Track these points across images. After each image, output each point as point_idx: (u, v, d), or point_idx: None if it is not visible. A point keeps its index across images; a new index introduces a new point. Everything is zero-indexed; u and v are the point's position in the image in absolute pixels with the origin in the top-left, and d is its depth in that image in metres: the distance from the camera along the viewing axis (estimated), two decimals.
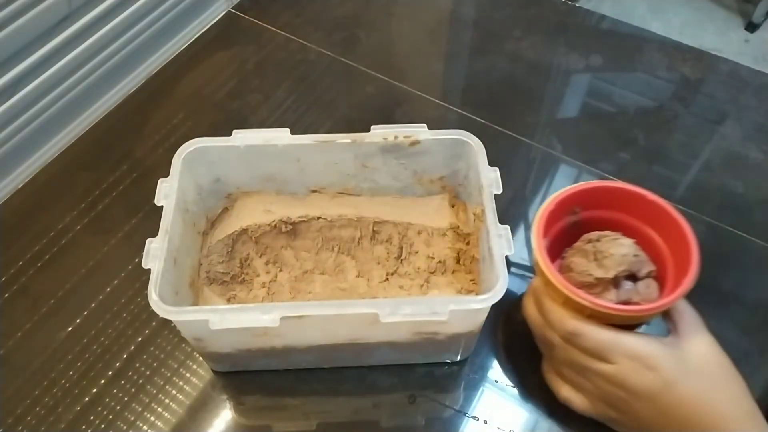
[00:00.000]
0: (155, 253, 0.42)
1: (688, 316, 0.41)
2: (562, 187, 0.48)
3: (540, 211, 0.46)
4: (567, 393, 0.44)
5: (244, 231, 0.52)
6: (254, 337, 0.44)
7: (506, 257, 0.42)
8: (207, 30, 0.76)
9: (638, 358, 0.38)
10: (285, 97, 0.68)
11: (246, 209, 0.54)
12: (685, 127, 0.68)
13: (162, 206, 0.45)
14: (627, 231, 0.48)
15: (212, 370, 0.50)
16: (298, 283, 0.52)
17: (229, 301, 0.51)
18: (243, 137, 0.49)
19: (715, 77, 0.72)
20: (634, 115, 0.69)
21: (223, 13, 0.78)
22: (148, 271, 0.41)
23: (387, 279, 0.52)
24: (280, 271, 0.53)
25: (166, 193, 0.46)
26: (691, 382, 0.38)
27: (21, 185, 0.61)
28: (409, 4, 0.81)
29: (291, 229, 0.53)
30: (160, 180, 0.46)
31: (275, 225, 0.53)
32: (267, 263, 0.53)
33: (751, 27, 1.91)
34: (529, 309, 0.45)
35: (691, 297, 0.54)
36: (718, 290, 0.55)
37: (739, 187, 0.62)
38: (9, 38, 0.54)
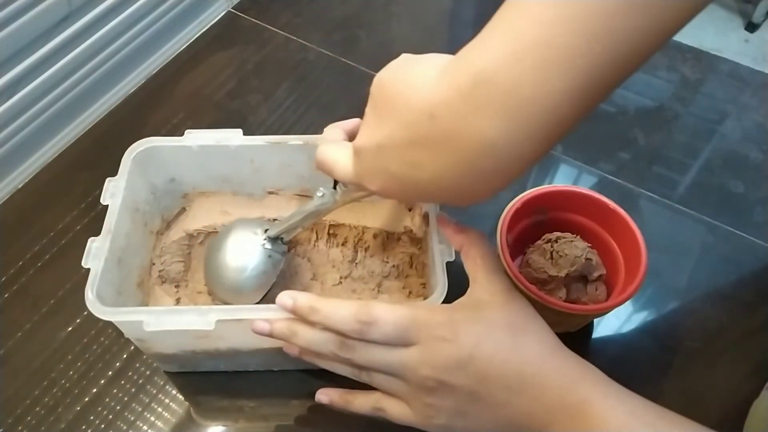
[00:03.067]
0: (96, 253, 0.42)
1: (483, 264, 0.38)
2: None
3: (507, 209, 0.49)
4: (378, 401, 0.38)
5: (200, 231, 0.52)
6: (196, 339, 0.44)
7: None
8: (207, 30, 0.76)
9: (435, 330, 0.35)
10: (285, 97, 0.68)
11: (203, 210, 0.54)
12: (685, 127, 0.68)
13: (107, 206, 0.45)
14: (587, 234, 0.51)
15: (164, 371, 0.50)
16: None
17: (178, 302, 0.50)
18: (194, 137, 0.49)
19: (715, 77, 0.72)
20: (634, 115, 0.69)
21: (223, 13, 0.78)
22: None
23: (340, 282, 0.52)
24: None
25: (113, 192, 0.46)
26: (494, 336, 0.35)
27: (21, 185, 0.61)
28: (409, 4, 0.81)
29: None
30: (108, 179, 0.46)
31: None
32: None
33: (751, 27, 1.91)
34: (306, 334, 0.38)
35: (691, 297, 0.55)
36: (718, 290, 0.55)
37: (739, 187, 0.62)
38: (9, 38, 0.54)
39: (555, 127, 0.27)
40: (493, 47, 0.27)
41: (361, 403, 0.39)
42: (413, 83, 0.31)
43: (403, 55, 0.35)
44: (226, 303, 0.48)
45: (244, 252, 0.47)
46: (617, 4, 0.24)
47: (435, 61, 0.31)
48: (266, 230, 0.48)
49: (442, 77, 0.29)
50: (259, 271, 0.47)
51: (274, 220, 0.54)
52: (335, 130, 0.42)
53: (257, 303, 0.48)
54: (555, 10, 0.25)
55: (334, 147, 0.39)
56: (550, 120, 0.27)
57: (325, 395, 0.41)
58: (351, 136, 0.42)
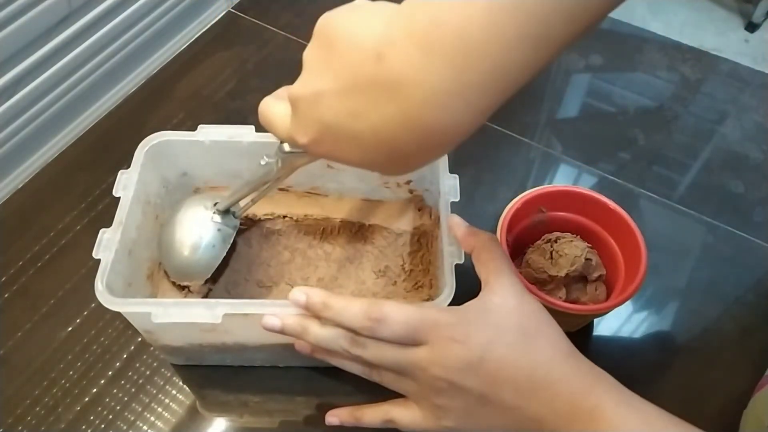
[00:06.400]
0: (107, 244, 0.42)
1: (494, 267, 0.38)
2: None
3: (507, 209, 0.49)
4: (387, 412, 0.38)
5: None
6: (203, 332, 0.44)
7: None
8: (207, 30, 0.76)
9: (446, 330, 0.35)
10: None
11: None
12: (685, 127, 0.68)
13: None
14: (587, 234, 0.51)
15: (171, 364, 0.50)
16: (261, 283, 0.52)
17: (185, 295, 0.51)
18: (207, 132, 0.49)
19: (715, 77, 0.73)
20: (634, 115, 0.69)
21: (223, 13, 0.78)
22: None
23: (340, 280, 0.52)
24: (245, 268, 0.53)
25: (125, 184, 0.46)
26: (505, 339, 0.35)
27: (21, 185, 0.61)
28: None
29: (256, 226, 0.54)
30: (120, 171, 0.46)
31: (241, 221, 0.53)
32: (229, 259, 0.53)
33: (751, 27, 1.91)
34: (317, 331, 0.38)
35: (691, 297, 0.55)
36: (718, 290, 0.55)
37: (739, 187, 0.62)
38: (9, 38, 0.54)
39: (505, 77, 0.26)
40: None
41: (370, 417, 0.39)
42: (364, 23, 0.28)
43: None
44: (180, 281, 0.49)
45: (196, 229, 0.47)
46: None
47: (390, 5, 0.29)
48: (215, 204, 0.48)
49: (395, 18, 0.27)
50: (209, 247, 0.47)
51: (284, 216, 0.53)
52: (286, 89, 0.38)
53: (206, 279, 0.49)
54: None
55: (277, 101, 0.36)
56: (500, 67, 0.25)
57: (335, 417, 0.41)
58: None
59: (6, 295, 0.53)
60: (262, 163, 0.41)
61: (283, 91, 0.37)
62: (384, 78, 0.27)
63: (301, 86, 0.31)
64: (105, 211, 0.59)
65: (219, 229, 0.47)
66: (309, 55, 0.31)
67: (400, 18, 0.27)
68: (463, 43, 0.25)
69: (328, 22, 0.30)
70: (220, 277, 0.52)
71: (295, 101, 0.32)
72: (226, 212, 0.48)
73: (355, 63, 0.28)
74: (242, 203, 0.48)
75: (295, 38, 0.75)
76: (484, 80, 0.26)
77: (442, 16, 0.25)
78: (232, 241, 0.48)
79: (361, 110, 0.28)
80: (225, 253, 0.48)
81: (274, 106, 0.35)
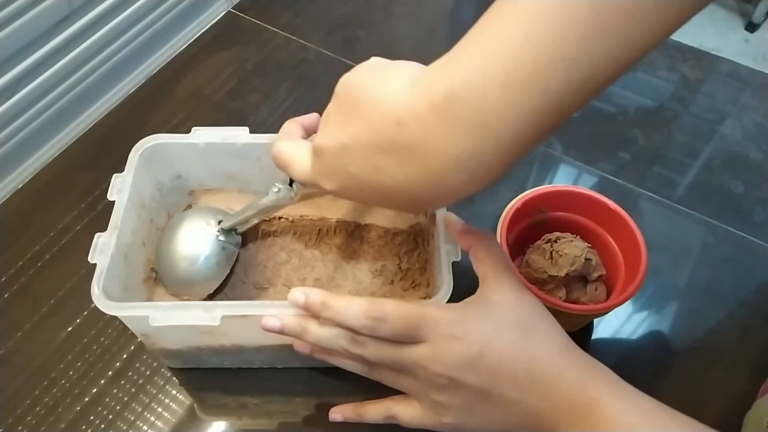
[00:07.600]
0: (102, 248, 0.42)
1: (492, 264, 0.38)
2: None
3: (507, 209, 0.49)
4: (388, 408, 0.39)
5: None
6: (201, 334, 0.44)
7: None
8: (207, 30, 0.76)
9: (445, 327, 0.35)
10: (285, 97, 0.68)
11: None
12: (685, 127, 0.68)
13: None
14: (587, 234, 0.51)
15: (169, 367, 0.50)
16: (258, 284, 0.52)
17: (181, 299, 0.51)
18: (201, 135, 0.49)
19: (715, 77, 0.72)
20: (634, 115, 0.69)
21: (223, 13, 0.78)
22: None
23: (337, 280, 0.52)
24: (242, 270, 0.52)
25: (120, 188, 0.46)
26: (504, 335, 0.35)
27: (21, 185, 0.61)
28: (409, 4, 0.81)
29: (252, 228, 0.54)
30: (114, 175, 0.46)
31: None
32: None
33: (751, 27, 1.91)
34: (317, 331, 0.38)
35: (691, 297, 0.55)
36: (718, 290, 0.55)
37: (739, 187, 0.62)
38: (9, 38, 0.54)
39: (520, 143, 0.28)
40: (464, 64, 0.28)
41: (373, 413, 0.39)
42: (383, 88, 0.31)
43: (374, 59, 0.35)
44: (178, 294, 0.49)
45: (197, 242, 0.48)
46: (586, 30, 0.25)
47: (407, 69, 0.32)
48: (220, 221, 0.48)
49: (415, 87, 0.30)
50: (211, 263, 0.48)
51: (280, 218, 0.54)
52: (294, 125, 0.42)
53: (210, 294, 0.49)
54: (524, 32, 0.26)
55: (291, 144, 0.39)
56: (515, 136, 0.28)
57: (338, 413, 0.41)
58: (309, 132, 0.43)
59: (6, 295, 0.53)
60: (275, 190, 0.43)
61: (291, 129, 0.41)
62: (405, 142, 0.29)
63: (326, 138, 0.34)
64: (105, 211, 0.58)
65: (224, 247, 0.48)
66: (332, 111, 0.35)
67: (420, 87, 0.29)
68: (480, 116, 0.27)
69: (349, 83, 0.34)
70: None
71: (321, 151, 0.35)
72: (228, 230, 0.48)
73: (377, 125, 0.31)
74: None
75: (295, 38, 0.75)
76: (501, 147, 0.28)
77: (461, 90, 0.27)
78: (235, 258, 0.49)
79: (385, 166, 0.31)
80: (228, 270, 0.49)
81: (289, 148, 0.39)
